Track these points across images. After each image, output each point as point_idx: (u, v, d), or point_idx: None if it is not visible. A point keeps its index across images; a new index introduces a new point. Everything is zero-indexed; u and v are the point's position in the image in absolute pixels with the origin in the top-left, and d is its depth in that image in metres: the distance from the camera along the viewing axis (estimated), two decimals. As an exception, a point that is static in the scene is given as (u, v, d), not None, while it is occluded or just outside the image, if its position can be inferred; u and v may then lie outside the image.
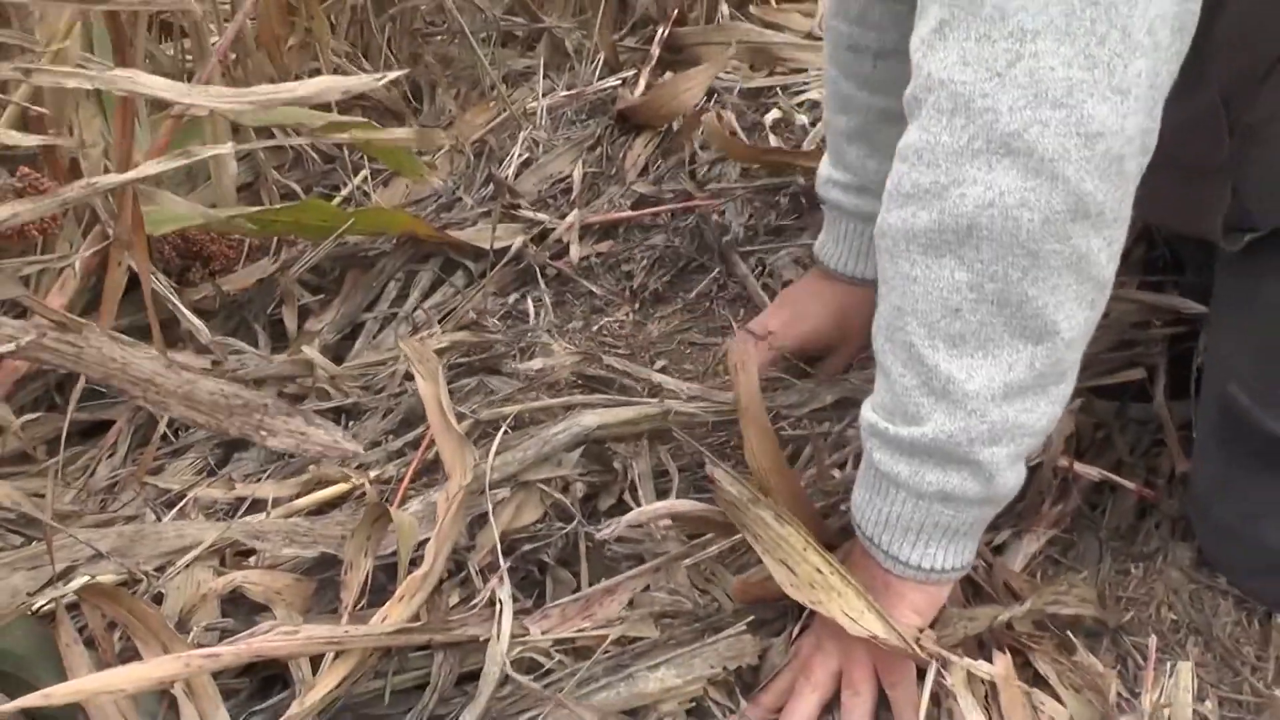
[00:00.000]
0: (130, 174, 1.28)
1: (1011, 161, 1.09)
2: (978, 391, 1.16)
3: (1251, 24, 1.26)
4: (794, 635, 1.37)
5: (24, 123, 1.72)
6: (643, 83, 2.49)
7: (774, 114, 2.42)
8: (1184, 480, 1.60)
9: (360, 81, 1.35)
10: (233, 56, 2.08)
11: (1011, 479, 1.23)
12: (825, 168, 1.77)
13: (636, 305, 1.95)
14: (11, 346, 1.00)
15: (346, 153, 2.16)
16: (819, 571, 1.27)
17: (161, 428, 1.64)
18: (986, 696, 1.31)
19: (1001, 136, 1.09)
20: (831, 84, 1.72)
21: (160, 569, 1.37)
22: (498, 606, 1.31)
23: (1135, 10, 1.07)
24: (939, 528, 1.25)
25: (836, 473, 1.56)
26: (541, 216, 2.10)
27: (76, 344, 1.03)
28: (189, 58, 2.13)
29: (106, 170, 1.72)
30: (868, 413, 1.26)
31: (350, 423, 1.69)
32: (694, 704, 1.31)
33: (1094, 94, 1.07)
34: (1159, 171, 1.18)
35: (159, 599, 1.34)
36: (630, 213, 2.12)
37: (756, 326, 1.76)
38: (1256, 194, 1.36)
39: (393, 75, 1.39)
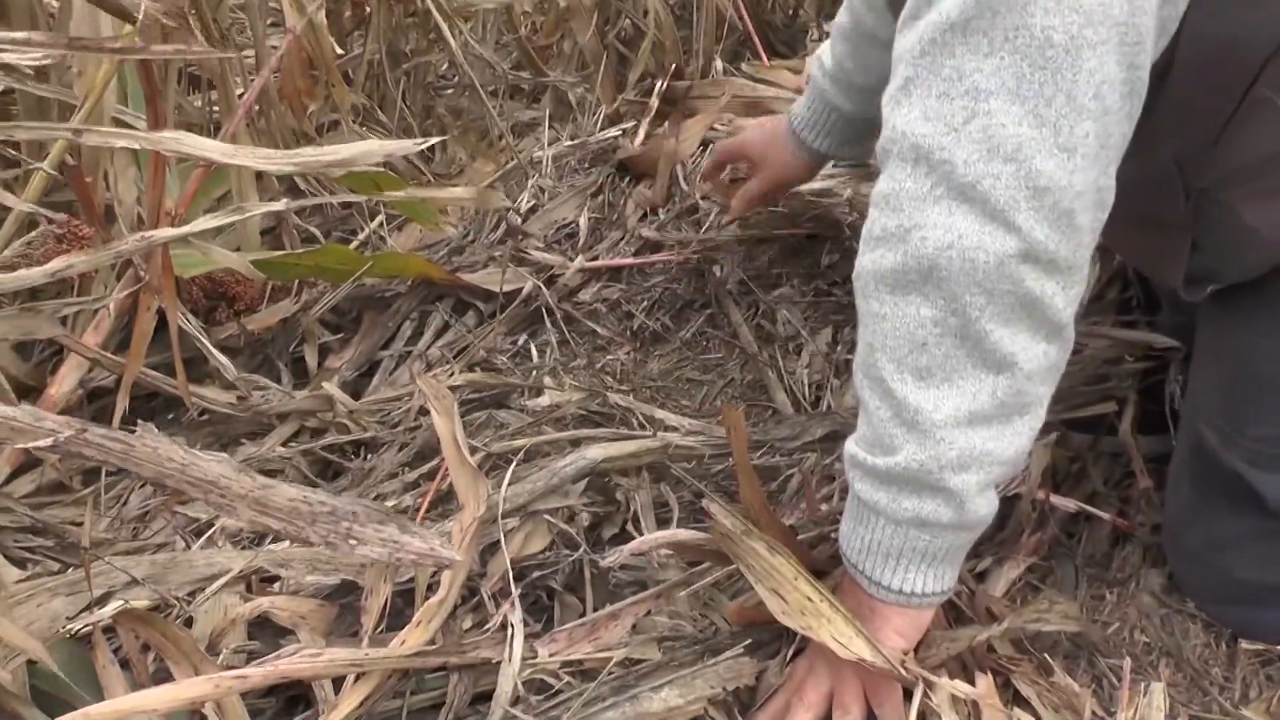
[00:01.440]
0: (182, 230, 1.28)
1: (969, 208, 1.12)
2: (944, 421, 1.18)
3: (1195, 99, 1.27)
4: (788, 658, 1.38)
5: (60, 170, 1.73)
6: (642, 133, 2.50)
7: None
8: (1146, 499, 1.62)
9: (401, 145, 1.36)
10: (256, 108, 2.09)
11: (982, 506, 1.23)
12: (823, 45, 1.94)
13: (637, 345, 1.95)
14: (49, 441, 0.96)
15: (363, 199, 2.17)
16: (809, 599, 1.29)
17: (190, 460, 1.65)
18: (969, 715, 1.32)
19: (959, 186, 1.12)
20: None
21: (191, 595, 1.37)
22: (509, 630, 1.32)
23: (1080, 76, 1.09)
24: (917, 553, 1.25)
25: (824, 505, 1.57)
26: (550, 258, 2.11)
27: (125, 441, 0.99)
28: (215, 109, 2.14)
29: (139, 218, 1.73)
30: (850, 446, 1.28)
31: (369, 455, 1.70)
32: (695, 722, 1.32)
33: (1041, 151, 1.10)
34: (1126, 223, 1.20)
35: (190, 623, 1.35)
36: (631, 259, 2.13)
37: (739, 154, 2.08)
38: (1215, 251, 1.38)
39: (432, 140, 1.40)
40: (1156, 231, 1.40)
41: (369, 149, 1.40)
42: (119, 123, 1.80)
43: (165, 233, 1.32)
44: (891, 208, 1.17)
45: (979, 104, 1.11)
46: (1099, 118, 1.11)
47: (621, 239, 2.21)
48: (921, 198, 1.14)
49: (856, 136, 1.90)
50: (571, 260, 2.11)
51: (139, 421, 1.48)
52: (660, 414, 1.74)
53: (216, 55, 1.82)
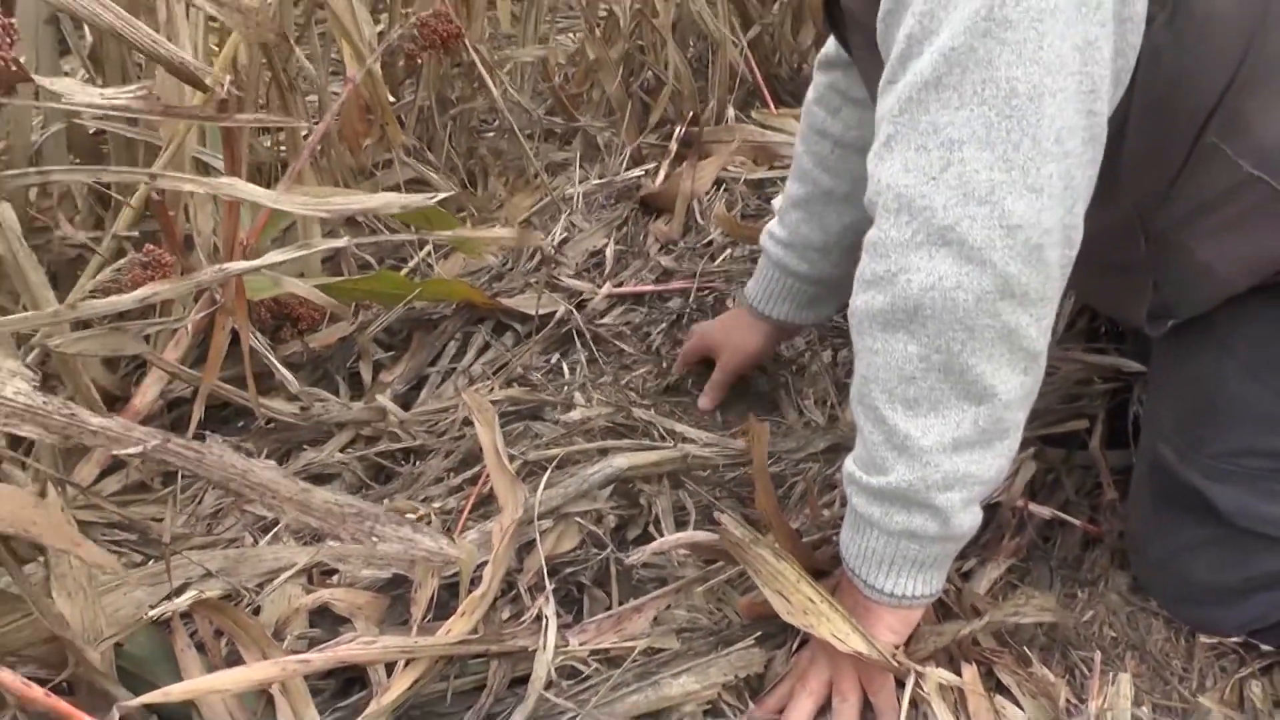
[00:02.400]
0: (256, 263, 1.29)
1: (948, 251, 1.12)
2: (931, 446, 1.19)
3: (1150, 148, 1.27)
4: (794, 649, 1.38)
5: (146, 205, 1.74)
6: (662, 173, 2.51)
7: (776, 201, 2.43)
8: (1113, 509, 1.61)
9: (416, 198, 1.38)
10: (318, 148, 2.10)
11: (966, 520, 1.24)
12: (770, 222, 1.82)
13: (659, 364, 1.95)
14: (139, 449, 0.99)
15: (414, 236, 2.17)
16: (810, 600, 1.29)
17: (258, 463, 1.66)
18: (956, 702, 1.32)
19: (938, 230, 1.12)
20: (796, 157, 1.76)
21: (259, 586, 1.37)
22: (543, 621, 1.33)
23: (1043, 122, 1.10)
24: (907, 561, 1.26)
25: (826, 511, 1.57)
26: (580, 285, 2.12)
27: (198, 450, 1.02)
28: (283, 148, 2.15)
29: (215, 247, 1.73)
30: (848, 464, 1.29)
31: (417, 461, 1.70)
32: (710, 706, 1.32)
33: (1012, 192, 1.11)
34: (1092, 269, 1.21)
35: (258, 611, 1.35)
36: (652, 287, 2.14)
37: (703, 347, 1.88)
38: (1173, 288, 1.38)
39: (442, 195, 1.43)
40: (1120, 275, 1.40)
41: (389, 200, 1.43)
42: (199, 163, 1.81)
43: (240, 265, 1.33)
44: (880, 254, 1.17)
45: (953, 153, 1.12)
46: (1061, 159, 1.12)
47: (643, 267, 2.21)
48: (905, 244, 1.15)
49: (811, 300, 1.79)
50: (599, 287, 2.11)
51: (207, 434, 1.50)
52: (680, 427, 1.74)
53: (287, 123, 1.83)
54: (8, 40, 1.01)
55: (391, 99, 2.31)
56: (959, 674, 1.35)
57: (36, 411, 0.97)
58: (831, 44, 1.67)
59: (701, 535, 1.40)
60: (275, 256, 1.34)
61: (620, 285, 2.14)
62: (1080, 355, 1.75)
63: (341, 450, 1.71)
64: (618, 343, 2.00)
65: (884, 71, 1.20)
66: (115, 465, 1.62)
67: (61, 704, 1.02)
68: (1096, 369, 1.74)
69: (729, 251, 2.24)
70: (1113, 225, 1.30)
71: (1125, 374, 1.70)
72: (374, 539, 1.06)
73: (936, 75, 1.12)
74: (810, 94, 1.72)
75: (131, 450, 0.99)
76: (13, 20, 1.03)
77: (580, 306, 2.05)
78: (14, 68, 1.04)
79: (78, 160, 1.90)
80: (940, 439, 1.18)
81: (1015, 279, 1.12)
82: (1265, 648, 1.45)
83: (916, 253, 1.14)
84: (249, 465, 1.04)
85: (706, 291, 2.12)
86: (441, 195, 1.45)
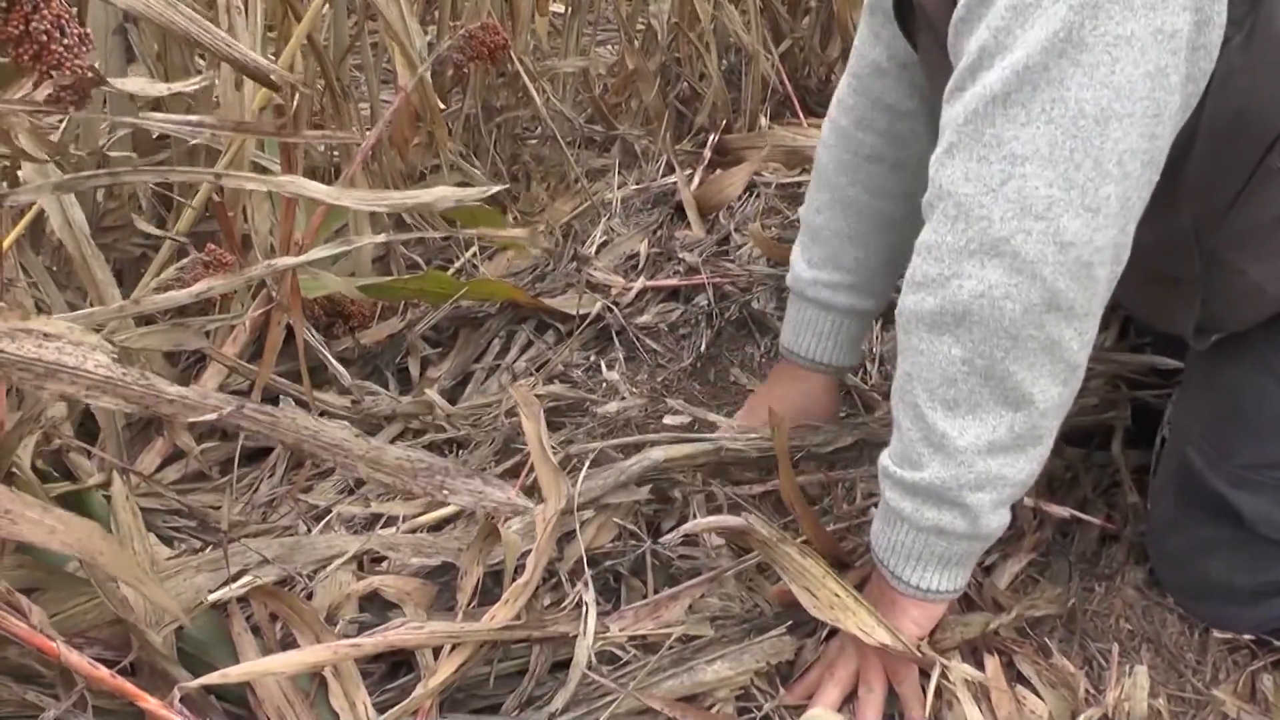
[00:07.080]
0: (303, 257, 1.29)
1: (1000, 261, 1.11)
2: (967, 447, 1.18)
3: (1212, 169, 1.25)
4: (823, 638, 1.37)
5: (206, 207, 1.74)
6: (697, 179, 2.50)
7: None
8: (1134, 511, 1.60)
9: (469, 192, 1.36)
10: (370, 153, 2.09)
11: (994, 521, 1.23)
12: (811, 270, 1.62)
13: (693, 360, 1.93)
14: (215, 415, 0.98)
15: (460, 232, 2.16)
16: (836, 595, 1.28)
17: (312, 454, 1.65)
18: (979, 693, 1.31)
19: (993, 240, 1.11)
20: (837, 191, 1.59)
21: (312, 573, 1.37)
22: (584, 609, 1.30)
23: (1106, 144, 1.09)
24: (934, 556, 1.25)
25: (846, 505, 1.56)
26: (614, 279, 2.11)
27: (272, 414, 1.01)
28: (336, 154, 2.14)
29: (271, 247, 1.73)
30: (884, 458, 1.27)
31: (462, 452, 1.69)
32: (742, 691, 1.31)
33: (1069, 210, 1.09)
34: (1142, 280, 1.20)
35: (311, 597, 1.35)
36: (684, 282, 2.12)
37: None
38: (1221, 304, 1.36)
39: (494, 189, 1.41)
40: (1170, 288, 1.38)
41: (445, 193, 1.41)
42: (256, 166, 1.81)
43: (287, 260, 1.33)
44: (934, 257, 1.16)
45: (1015, 168, 1.10)
46: (1120, 182, 1.10)
47: (677, 269, 2.19)
48: (959, 250, 1.13)
49: (857, 339, 1.66)
50: (633, 282, 2.10)
51: (280, 398, 1.49)
52: (713, 419, 1.72)
53: (345, 139, 1.83)
54: (83, 48, 1.00)
55: (440, 107, 2.30)
56: (981, 665, 1.34)
57: (116, 383, 0.97)
58: (873, 51, 1.55)
59: (732, 520, 1.38)
60: (320, 252, 1.34)
61: (653, 279, 2.13)
62: (1112, 354, 1.73)
63: (391, 442, 1.69)
64: (653, 341, 1.98)
65: (951, 78, 1.18)
66: (175, 455, 1.62)
67: (126, 684, 1.03)
68: (1126, 368, 1.72)
69: (753, 250, 2.23)
70: (1169, 239, 1.29)
71: (1158, 372, 1.69)
72: (445, 491, 1.05)
73: (1006, 91, 1.10)
74: (844, 121, 1.59)
75: (207, 416, 0.99)
76: (87, 29, 1.02)
77: (618, 306, 2.04)
78: (89, 74, 1.03)
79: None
80: (976, 440, 1.17)
81: (1063, 294, 1.11)
82: (1278, 643, 1.43)
83: (970, 260, 1.13)
84: (320, 426, 1.04)
85: (737, 291, 2.11)
86: (492, 189, 1.43)
